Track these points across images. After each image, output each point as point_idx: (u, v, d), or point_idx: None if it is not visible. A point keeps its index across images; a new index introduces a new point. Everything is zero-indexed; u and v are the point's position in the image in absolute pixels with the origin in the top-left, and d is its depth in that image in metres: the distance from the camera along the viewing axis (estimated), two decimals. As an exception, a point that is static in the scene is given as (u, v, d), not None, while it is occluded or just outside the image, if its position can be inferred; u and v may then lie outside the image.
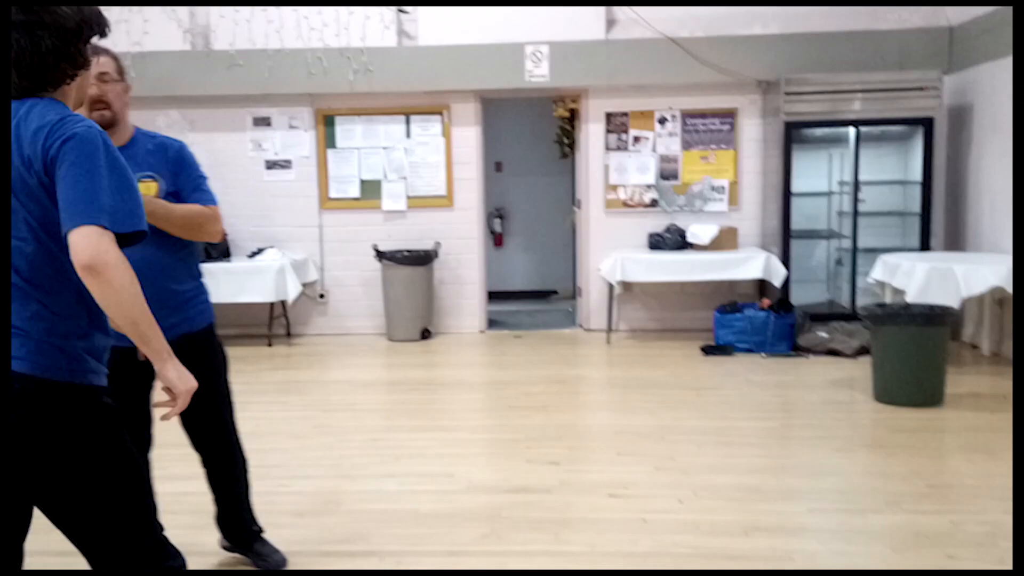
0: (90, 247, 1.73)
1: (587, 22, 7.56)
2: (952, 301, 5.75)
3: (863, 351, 6.77)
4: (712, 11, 7.51)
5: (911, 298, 5.93)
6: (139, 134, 2.65)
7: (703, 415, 5.18)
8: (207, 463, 2.93)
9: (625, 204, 7.94)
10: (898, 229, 7.56)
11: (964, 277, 5.82)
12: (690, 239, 7.57)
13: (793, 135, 7.12)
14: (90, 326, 1.91)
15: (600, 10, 7.56)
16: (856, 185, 7.23)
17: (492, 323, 8.39)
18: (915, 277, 5.99)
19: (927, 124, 6.96)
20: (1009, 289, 5.80)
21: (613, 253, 7.60)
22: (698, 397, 5.64)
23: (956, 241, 7.27)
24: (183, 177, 2.58)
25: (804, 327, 7.05)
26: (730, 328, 7.07)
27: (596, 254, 7.95)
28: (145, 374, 2.73)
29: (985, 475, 4.04)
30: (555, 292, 10.32)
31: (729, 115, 7.77)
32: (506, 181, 10.05)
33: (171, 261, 2.63)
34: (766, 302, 7.16)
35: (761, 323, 6.98)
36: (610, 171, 7.90)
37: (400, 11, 7.59)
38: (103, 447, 1.87)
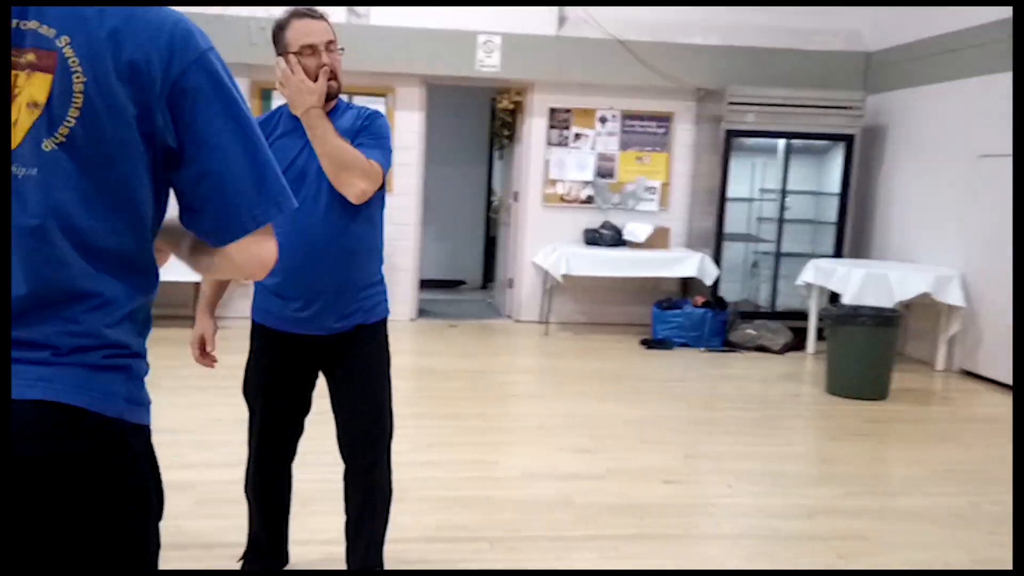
0: (269, 257, 1.32)
1: (539, 17, 7.65)
2: (886, 304, 6.31)
3: (788, 348, 7.30)
4: (657, 17, 7.80)
5: (848, 300, 6.45)
6: (340, 103, 2.50)
7: (688, 406, 5.43)
8: (349, 471, 2.62)
9: (562, 199, 8.10)
10: (808, 236, 8.17)
11: (898, 283, 6.42)
12: (627, 236, 7.83)
13: (734, 145, 7.54)
14: (142, 337, 1.32)
15: (552, 6, 7.67)
16: (784, 193, 7.77)
17: (419, 312, 8.30)
18: (852, 281, 6.53)
19: (848, 141, 7.59)
20: (935, 295, 6.45)
21: (548, 246, 7.76)
22: (669, 388, 5.90)
23: (861, 249, 7.95)
24: (362, 136, 2.40)
25: (734, 324, 7.49)
26: (669, 324, 7.40)
27: (531, 247, 8.05)
28: (310, 363, 2.57)
29: (971, 460, 4.51)
30: (463, 282, 10.34)
31: (665, 119, 8.10)
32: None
33: (357, 247, 2.47)
34: (700, 299, 7.54)
35: (699, 319, 7.35)
36: (550, 166, 8.03)
37: (351, 11, 7.36)
38: (128, 516, 1.26)
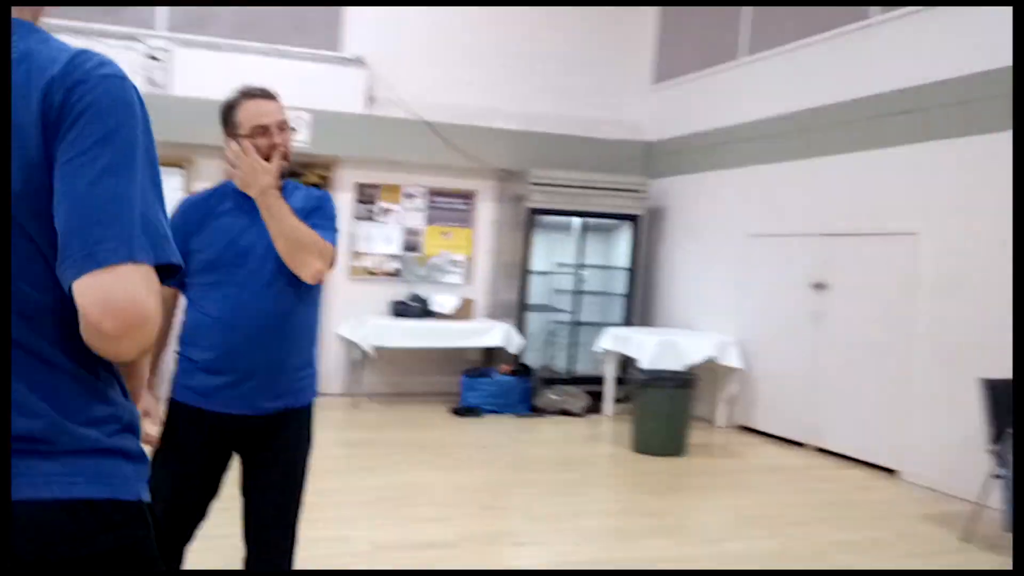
0: (125, 301, 1.04)
1: (348, 95, 7.79)
2: (677, 367, 6.93)
3: (588, 411, 7.77)
4: (461, 101, 8.20)
5: (644, 365, 7.00)
6: (288, 183, 2.44)
7: (513, 470, 5.64)
8: (255, 558, 2.47)
9: (369, 272, 8.17)
10: (600, 306, 8.78)
11: (687, 348, 7.08)
12: (434, 308, 8.03)
13: (535, 223, 8.01)
14: (125, 404, 1.21)
15: (360, 86, 7.85)
16: (580, 267, 8.34)
17: (221, 388, 7.96)
18: (647, 348, 7.11)
19: (635, 220, 8.31)
20: (718, 359, 7.17)
21: (355, 319, 7.79)
22: (490, 454, 6.09)
23: (647, 319, 8.66)
24: (314, 216, 2.38)
25: (538, 390, 7.86)
26: (478, 391, 7.62)
27: (338, 319, 8.03)
28: (230, 445, 2.46)
29: (768, 505, 5.05)
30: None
31: (469, 196, 8.46)
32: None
33: (298, 327, 2.42)
34: (506, 367, 7.85)
35: (507, 387, 7.65)
36: (357, 239, 8.10)
37: (152, 58, 7.14)
38: None
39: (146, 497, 1.19)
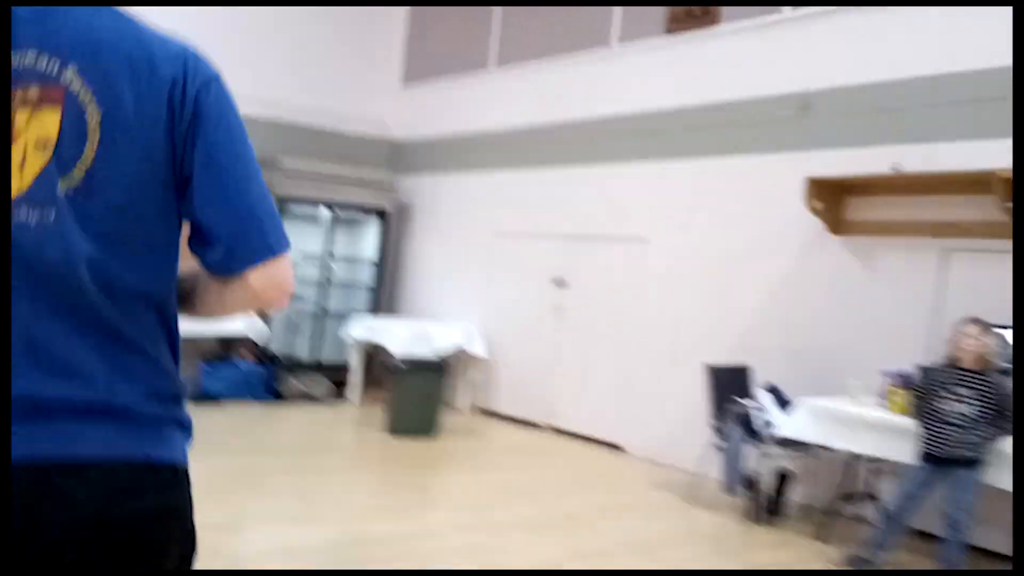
0: (291, 284, 1.24)
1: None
2: (429, 355, 7.23)
3: (332, 397, 7.84)
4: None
5: (397, 353, 7.22)
6: None
7: (273, 454, 5.63)
8: None
9: (98, 250, 7.58)
10: (344, 296, 8.85)
11: (437, 337, 7.40)
12: (173, 292, 7.63)
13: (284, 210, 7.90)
14: (181, 379, 1.28)
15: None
16: (330, 257, 8.36)
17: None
18: (400, 336, 7.34)
19: (382, 214, 8.49)
20: (466, 348, 7.57)
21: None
22: (245, 441, 6.01)
23: (393, 309, 8.88)
24: None
25: (281, 377, 7.78)
26: (219, 379, 7.39)
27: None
28: None
29: (522, 480, 5.50)
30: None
31: (213, 177, 8.12)
32: None
33: None
34: (250, 355, 7.68)
35: (250, 374, 7.49)
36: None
37: None
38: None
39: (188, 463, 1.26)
